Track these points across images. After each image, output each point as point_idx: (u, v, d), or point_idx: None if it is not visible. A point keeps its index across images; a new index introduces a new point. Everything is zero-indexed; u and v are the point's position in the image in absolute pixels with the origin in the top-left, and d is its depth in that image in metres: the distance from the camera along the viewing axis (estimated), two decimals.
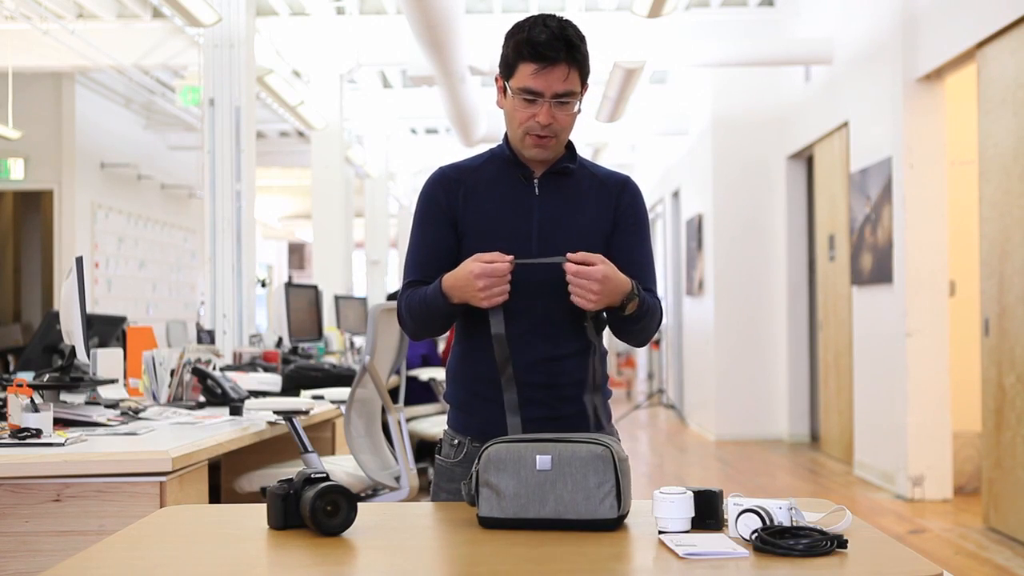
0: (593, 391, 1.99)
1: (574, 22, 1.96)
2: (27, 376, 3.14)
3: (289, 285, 5.40)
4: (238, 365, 4.47)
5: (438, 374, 5.94)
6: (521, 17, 1.98)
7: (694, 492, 1.64)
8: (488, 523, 1.66)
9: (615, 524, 1.64)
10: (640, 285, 1.94)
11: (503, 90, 1.99)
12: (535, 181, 2.01)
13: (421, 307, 1.96)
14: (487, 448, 1.70)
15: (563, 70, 1.91)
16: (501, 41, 1.98)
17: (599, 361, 2.01)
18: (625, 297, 1.89)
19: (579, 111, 2.00)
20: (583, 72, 1.95)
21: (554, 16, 1.94)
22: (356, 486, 3.39)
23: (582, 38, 1.94)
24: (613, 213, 2.02)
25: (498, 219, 1.98)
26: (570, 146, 2.05)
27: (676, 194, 11.52)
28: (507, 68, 1.95)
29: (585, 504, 1.63)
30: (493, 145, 2.10)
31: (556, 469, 1.65)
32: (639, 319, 1.96)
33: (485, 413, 2.00)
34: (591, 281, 1.84)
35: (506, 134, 2.04)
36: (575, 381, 2.00)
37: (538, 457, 1.66)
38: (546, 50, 1.89)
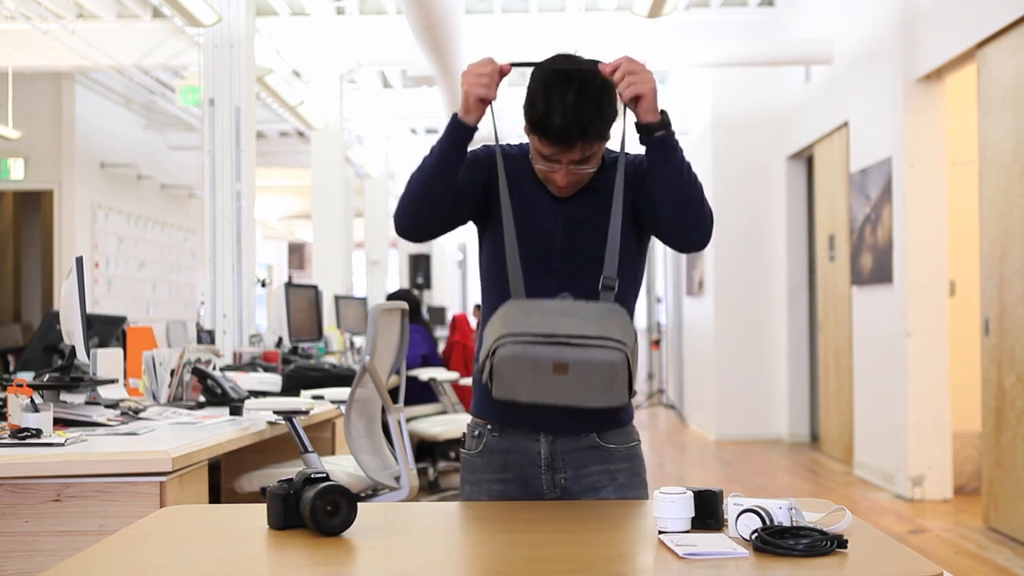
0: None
1: (595, 80, 1.86)
2: (27, 376, 3.13)
3: (289, 285, 5.40)
4: (238, 365, 4.47)
5: (438, 374, 5.95)
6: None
7: (694, 492, 1.64)
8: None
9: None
10: None
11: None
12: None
13: (433, 152, 1.94)
14: (501, 347, 1.76)
15: (579, 148, 1.86)
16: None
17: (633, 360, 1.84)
18: (660, 112, 1.86)
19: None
20: (605, 132, 1.89)
21: (579, 75, 1.85)
22: (356, 486, 3.39)
23: (601, 108, 1.85)
24: (631, 188, 1.97)
25: (524, 212, 1.96)
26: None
27: None
28: (525, 122, 1.92)
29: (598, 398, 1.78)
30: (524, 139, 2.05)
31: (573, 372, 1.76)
32: (680, 160, 1.87)
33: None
34: (629, 65, 1.83)
35: None
36: None
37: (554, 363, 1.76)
38: (560, 140, 1.85)
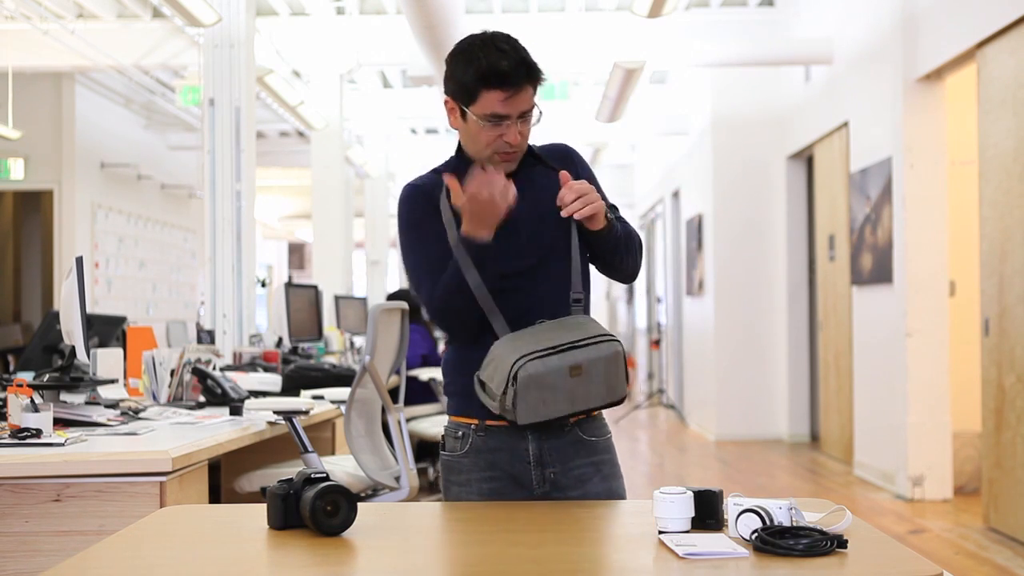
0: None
1: (509, 35, 2.00)
2: (27, 376, 3.13)
3: (289, 285, 5.41)
4: (238, 365, 4.47)
5: (438, 374, 5.94)
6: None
7: (694, 492, 1.64)
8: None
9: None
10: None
11: (459, 113, 1.99)
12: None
13: (448, 280, 1.96)
14: (521, 368, 1.82)
15: (527, 92, 1.97)
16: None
17: None
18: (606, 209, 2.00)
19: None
20: (540, 76, 2.01)
21: (501, 35, 1.99)
22: (356, 486, 3.39)
23: (528, 53, 2.00)
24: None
25: None
26: None
27: (676, 194, 11.52)
28: (466, 94, 1.96)
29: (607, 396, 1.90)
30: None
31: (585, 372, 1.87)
32: (617, 237, 2.03)
33: None
34: (579, 190, 1.93)
35: (458, 149, 2.07)
36: None
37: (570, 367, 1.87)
38: (513, 79, 1.93)
